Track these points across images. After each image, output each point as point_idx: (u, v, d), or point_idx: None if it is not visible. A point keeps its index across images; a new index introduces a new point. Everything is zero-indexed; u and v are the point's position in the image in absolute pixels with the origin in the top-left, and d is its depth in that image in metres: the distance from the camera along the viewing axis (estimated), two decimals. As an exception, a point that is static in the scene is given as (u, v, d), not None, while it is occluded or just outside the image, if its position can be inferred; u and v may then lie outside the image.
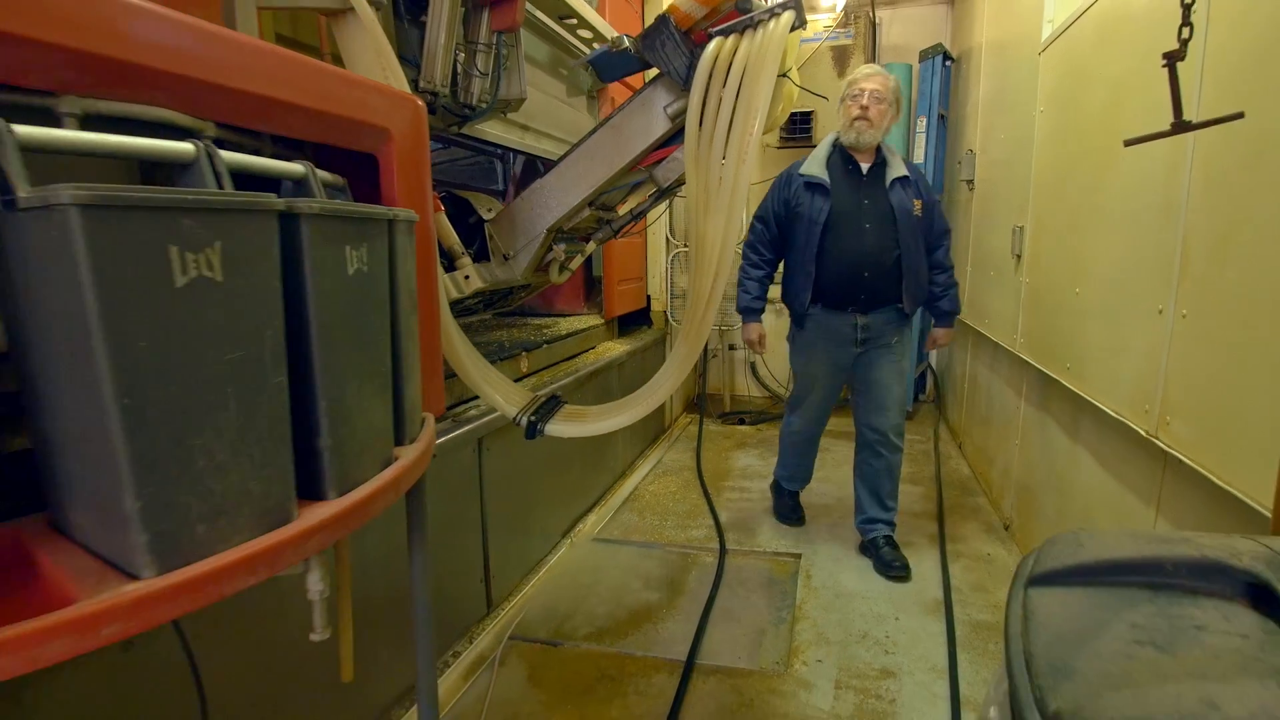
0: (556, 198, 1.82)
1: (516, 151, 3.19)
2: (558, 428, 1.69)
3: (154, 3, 0.79)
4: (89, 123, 0.81)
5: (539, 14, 2.61)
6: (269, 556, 0.74)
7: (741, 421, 5.04)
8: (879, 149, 2.69)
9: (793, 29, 1.41)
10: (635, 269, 4.50)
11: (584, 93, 3.61)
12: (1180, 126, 1.09)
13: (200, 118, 0.93)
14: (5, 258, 0.68)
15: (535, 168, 3.36)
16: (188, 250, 0.68)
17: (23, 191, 0.65)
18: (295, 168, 0.96)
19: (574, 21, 2.81)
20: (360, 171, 1.20)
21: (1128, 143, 1.20)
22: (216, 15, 1.18)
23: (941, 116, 4.76)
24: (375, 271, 0.94)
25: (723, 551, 2.90)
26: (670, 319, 4.77)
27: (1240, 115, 1.05)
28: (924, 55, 4.69)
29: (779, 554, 2.91)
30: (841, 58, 4.82)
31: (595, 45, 3.32)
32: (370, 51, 1.42)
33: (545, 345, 3.10)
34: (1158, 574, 0.69)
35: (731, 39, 1.38)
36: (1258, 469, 1.23)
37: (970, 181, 4.09)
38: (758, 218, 2.87)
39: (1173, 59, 1.08)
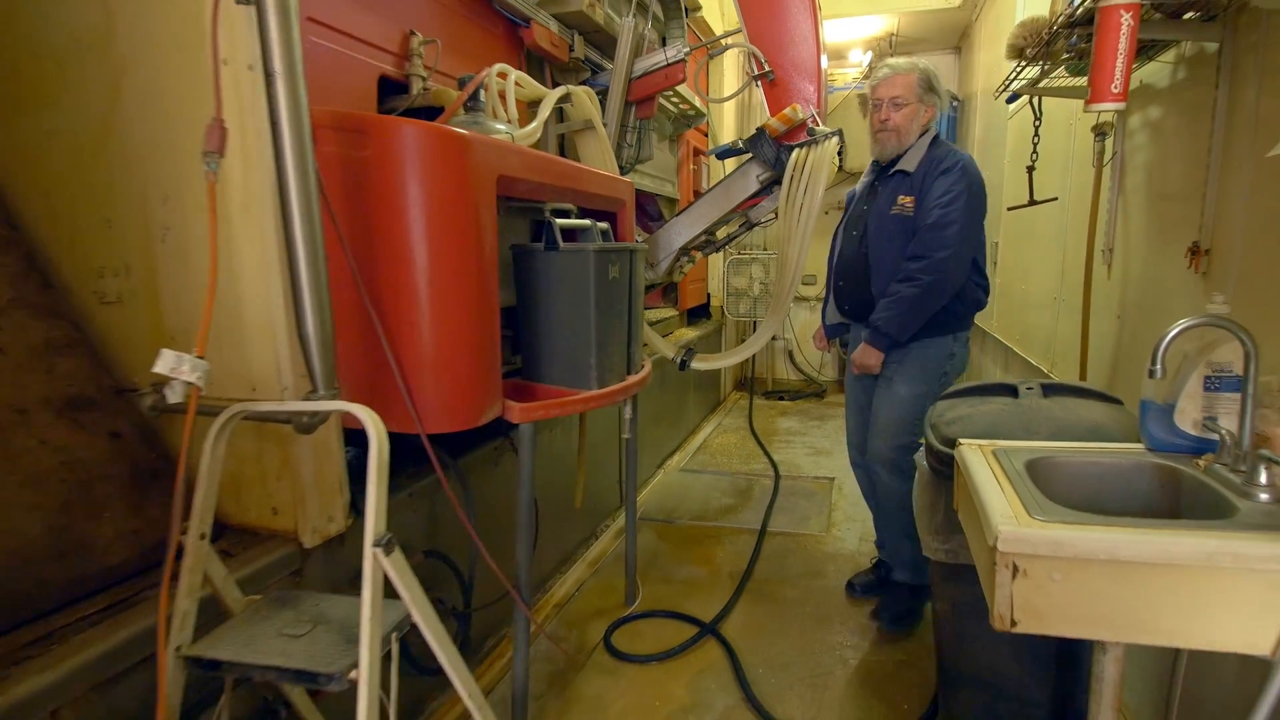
0: (688, 227, 2.97)
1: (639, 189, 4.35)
2: (697, 363, 2.86)
3: (569, 160, 1.95)
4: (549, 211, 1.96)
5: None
6: (614, 395, 1.89)
7: (781, 398, 6.15)
8: (912, 145, 2.37)
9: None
10: (700, 272, 5.62)
11: (667, 137, 4.75)
12: (1032, 202, 2.19)
13: (574, 203, 2.08)
14: (545, 270, 1.83)
15: (647, 197, 4.46)
16: (611, 264, 1.83)
17: (561, 246, 1.80)
18: (602, 225, 2.11)
19: (676, 99, 3.95)
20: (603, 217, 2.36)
21: (1009, 208, 2.30)
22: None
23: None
24: (620, 276, 2.07)
25: (777, 475, 4.02)
26: (725, 312, 5.88)
27: (1055, 199, 2.15)
28: (935, 98, 5.75)
29: (818, 477, 4.02)
30: (866, 104, 5.90)
31: (681, 106, 4.48)
32: (601, 153, 2.57)
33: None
34: (984, 390, 1.81)
35: (807, 149, 2.52)
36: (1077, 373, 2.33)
37: (969, 203, 5.15)
38: None
39: (1030, 169, 2.18)
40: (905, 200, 2.30)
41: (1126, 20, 1.31)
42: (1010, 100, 2.27)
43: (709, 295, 5.90)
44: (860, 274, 2.43)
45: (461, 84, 2.01)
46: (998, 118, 4.26)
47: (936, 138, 2.38)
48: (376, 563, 1.07)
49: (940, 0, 5.13)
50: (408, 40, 2.02)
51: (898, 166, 2.35)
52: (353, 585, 1.46)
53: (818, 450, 4.58)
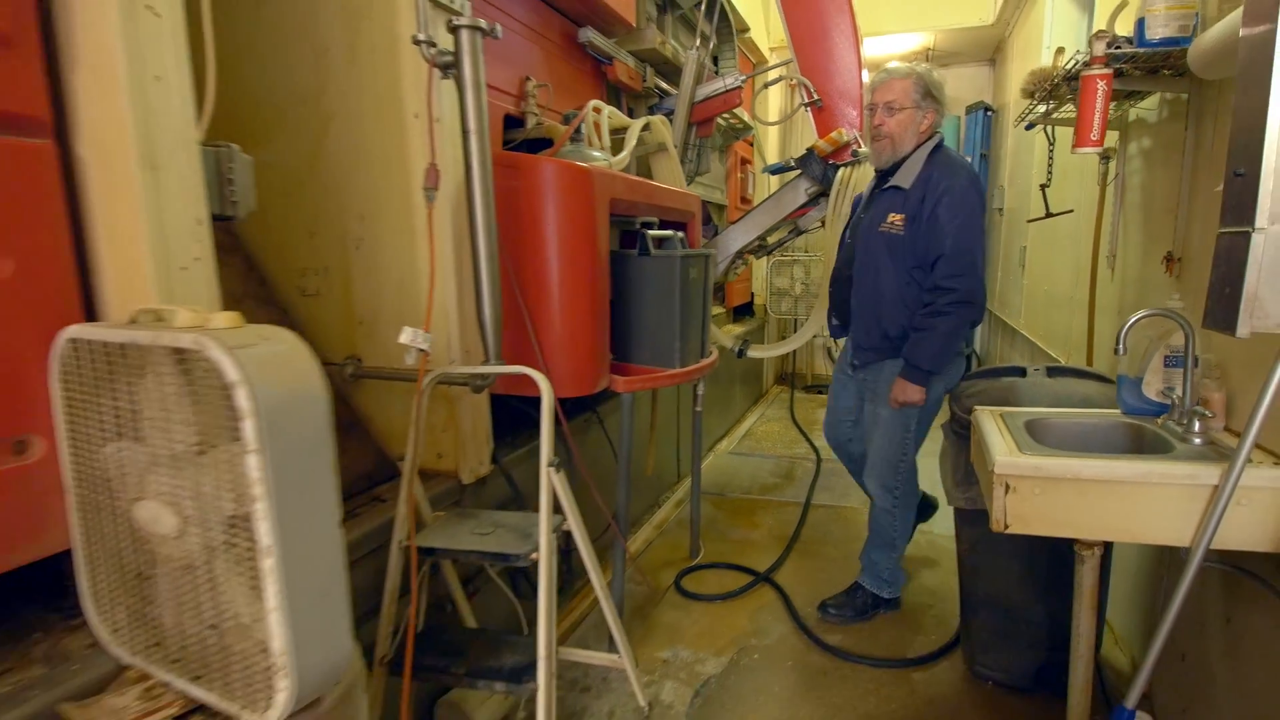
0: (743, 233, 3.39)
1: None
2: (753, 352, 3.29)
3: (652, 182, 2.39)
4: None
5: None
6: (692, 374, 2.32)
7: (820, 391, 6.52)
8: (909, 155, 2.28)
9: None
10: (746, 273, 6.03)
11: (717, 149, 5.17)
12: (1047, 215, 2.56)
13: (655, 216, 2.52)
14: (638, 272, 2.27)
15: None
16: (691, 267, 2.26)
17: (652, 253, 2.24)
18: (678, 234, 2.54)
19: (726, 115, 4.36)
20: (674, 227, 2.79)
21: (1028, 220, 2.67)
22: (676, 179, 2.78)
23: (984, 156, 6.13)
24: (699, 276, 2.50)
25: (818, 459, 4.41)
26: (768, 310, 6.27)
27: (1071, 210, 2.52)
28: (969, 109, 6.07)
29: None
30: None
31: (730, 121, 4.90)
32: (672, 171, 3.00)
33: (698, 323, 4.68)
34: (999, 372, 2.20)
35: (851, 168, 2.93)
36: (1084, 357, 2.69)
37: (1001, 209, 5.48)
38: None
39: (1044, 186, 2.56)
40: (895, 219, 2.24)
41: (1101, 86, 1.70)
42: (1028, 128, 2.63)
43: (752, 294, 6.30)
44: (845, 285, 2.46)
45: (566, 119, 2.47)
46: (1027, 134, 4.59)
47: (939, 147, 2.27)
48: (549, 478, 1.52)
49: (975, 18, 5.45)
50: (524, 84, 2.48)
51: (892, 181, 2.28)
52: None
53: (855, 437, 4.95)
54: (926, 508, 2.91)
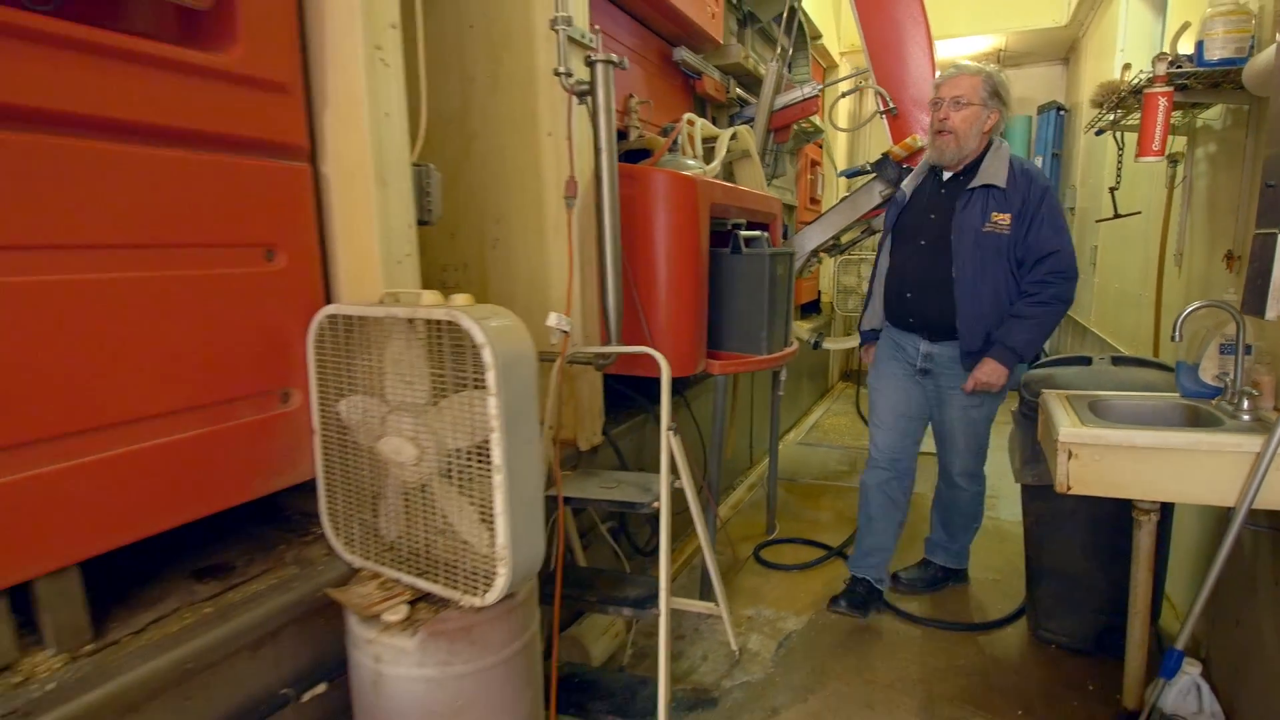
0: (819, 233, 3.62)
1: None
2: (827, 343, 3.51)
3: (740, 187, 2.65)
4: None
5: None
6: (777, 359, 2.58)
7: (885, 387, 6.65)
8: (984, 153, 2.30)
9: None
10: (815, 271, 6.21)
11: (788, 151, 5.38)
12: (1115, 216, 2.72)
13: (743, 218, 2.78)
14: (731, 268, 2.54)
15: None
16: (777, 264, 2.52)
17: (744, 250, 2.51)
18: (764, 233, 2.80)
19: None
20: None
21: (1096, 220, 2.82)
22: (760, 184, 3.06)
23: (1055, 155, 6.15)
24: (784, 273, 2.74)
25: (885, 449, 4.59)
26: (835, 307, 6.45)
27: (1138, 212, 2.67)
28: (1041, 109, 6.11)
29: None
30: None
31: (802, 124, 5.11)
32: (755, 176, 3.25)
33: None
34: (1067, 361, 2.39)
35: (921, 172, 3.14)
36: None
37: (1073, 209, 5.52)
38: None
39: (1112, 189, 2.71)
40: (1000, 218, 2.20)
41: (1163, 102, 1.88)
42: (1098, 134, 2.79)
43: (819, 292, 6.48)
44: (939, 289, 2.33)
45: (664, 131, 2.76)
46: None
47: (1005, 148, 2.30)
48: (668, 440, 1.81)
49: (1049, 19, 5.51)
50: (627, 101, 2.78)
51: (984, 180, 2.24)
52: (615, 475, 2.23)
53: (921, 431, 5.10)
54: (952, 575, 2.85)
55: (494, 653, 1.30)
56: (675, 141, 2.67)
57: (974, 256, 2.25)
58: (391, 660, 1.27)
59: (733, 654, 2.33)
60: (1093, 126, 2.66)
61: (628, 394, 2.74)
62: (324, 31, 1.44)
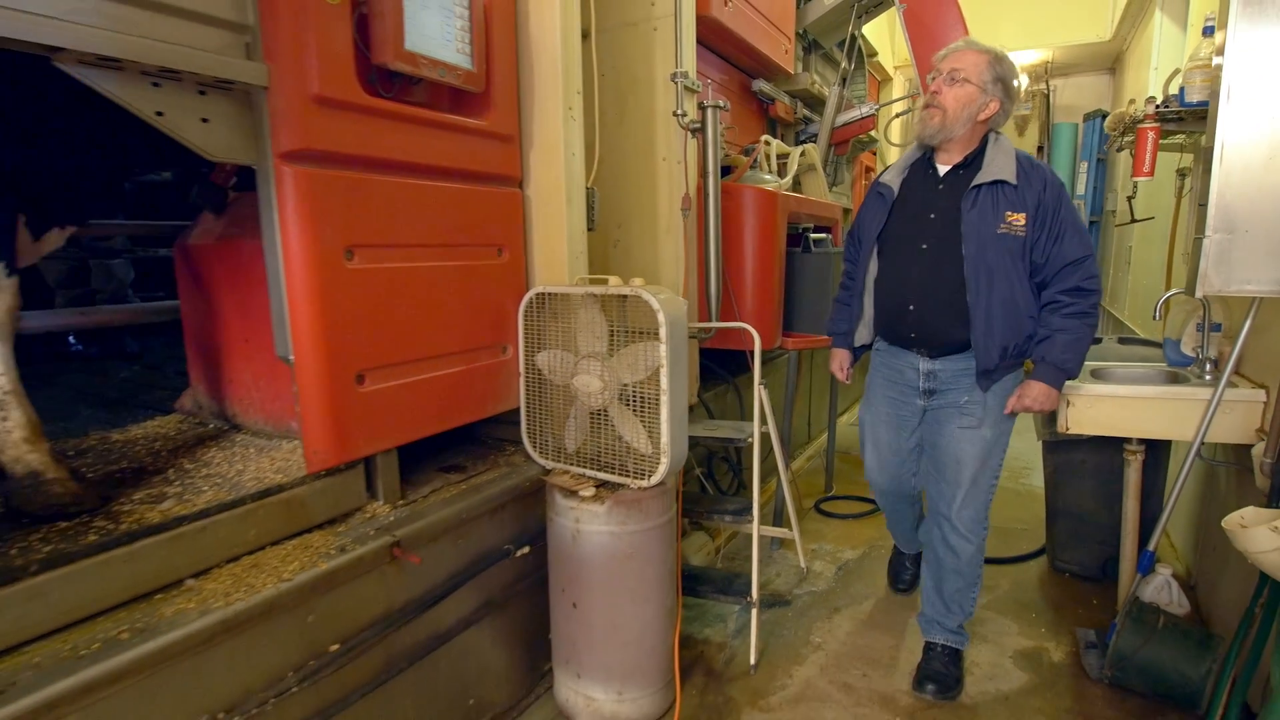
0: (873, 236, 4.16)
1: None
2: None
3: (808, 196, 3.23)
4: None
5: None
6: None
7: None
8: (982, 145, 2.05)
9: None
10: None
11: (846, 161, 5.89)
12: (1133, 220, 3.20)
13: (811, 222, 3.36)
14: (802, 264, 3.13)
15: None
16: (838, 263, 3.09)
17: (813, 249, 3.09)
18: (828, 235, 3.37)
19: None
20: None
21: (1116, 225, 3.30)
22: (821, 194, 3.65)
23: (1100, 160, 6.52)
24: (828, 269, 3.30)
25: (931, 429, 5.09)
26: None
27: (1152, 218, 3.15)
28: (1087, 116, 6.48)
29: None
30: (1021, 124, 6.72)
31: (859, 137, 5.62)
32: (819, 186, 3.82)
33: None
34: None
35: (964, 183, 3.64)
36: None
37: (1114, 211, 5.91)
38: (849, 231, 2.41)
39: (1130, 198, 3.20)
40: (1014, 217, 1.95)
41: (1151, 135, 2.38)
42: (1118, 150, 3.28)
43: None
44: (949, 303, 2.05)
45: (746, 151, 3.35)
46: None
47: (1006, 140, 2.07)
48: (759, 392, 2.40)
49: (1093, 34, 5.91)
50: (716, 126, 3.38)
51: (993, 175, 1.98)
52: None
53: (966, 416, 5.58)
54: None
55: (653, 519, 1.93)
56: (754, 160, 3.26)
57: (988, 262, 1.98)
58: (587, 520, 1.90)
59: (801, 571, 2.91)
60: (1114, 145, 3.16)
61: (713, 367, 3.35)
62: (533, 99, 2.08)
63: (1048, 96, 6.71)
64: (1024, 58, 6.41)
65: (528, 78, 2.08)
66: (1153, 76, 4.65)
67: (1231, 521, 1.55)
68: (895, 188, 2.18)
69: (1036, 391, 2.02)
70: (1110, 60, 6.55)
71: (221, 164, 1.92)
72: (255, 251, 1.79)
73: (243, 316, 1.87)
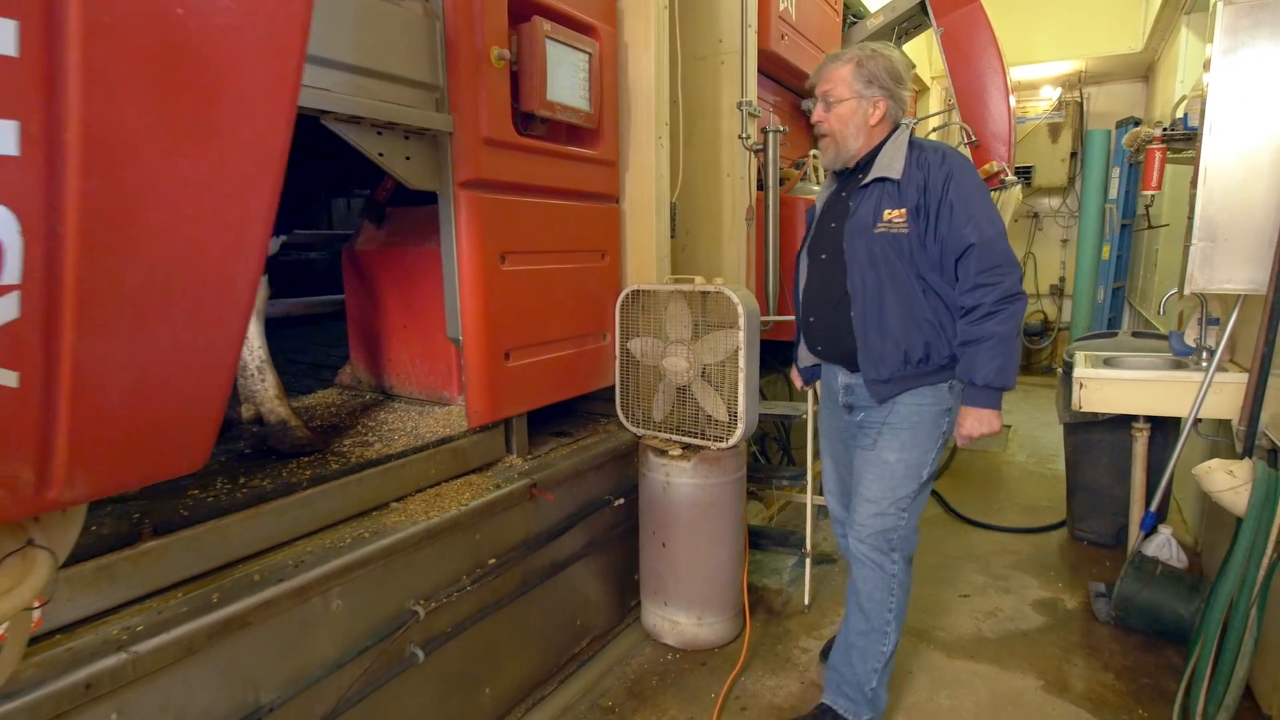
0: (911, 240, 4.54)
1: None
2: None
3: (864, 209, 3.64)
4: (846, 235, 3.66)
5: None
6: None
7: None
8: (881, 145, 1.93)
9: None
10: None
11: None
12: (1149, 226, 3.53)
13: (856, 230, 3.75)
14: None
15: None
16: (885, 264, 3.48)
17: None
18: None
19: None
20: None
21: (1135, 230, 3.63)
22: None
23: (1133, 165, 6.75)
24: None
25: (964, 420, 5.43)
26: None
27: (1167, 225, 3.48)
28: (1120, 123, 6.72)
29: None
30: (1055, 131, 6.99)
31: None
32: (862, 195, 4.20)
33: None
34: (1097, 335, 3.26)
35: (999, 191, 4.00)
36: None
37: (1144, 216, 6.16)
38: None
39: (1149, 206, 3.53)
40: (892, 214, 1.84)
41: (1158, 155, 2.74)
42: (1132, 166, 3.61)
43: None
44: (834, 306, 1.99)
45: (797, 165, 3.76)
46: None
47: (914, 137, 1.93)
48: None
49: (1124, 45, 6.16)
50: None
51: (878, 173, 1.87)
52: (767, 407, 3.26)
53: (998, 409, 5.91)
54: None
55: (729, 475, 2.36)
56: (805, 172, 3.67)
57: (866, 264, 1.90)
58: (676, 474, 2.34)
59: (846, 535, 3.31)
60: (1130, 160, 3.50)
61: (766, 358, 3.76)
62: (630, 130, 2.53)
63: (1081, 104, 6.97)
64: (1058, 69, 6.68)
65: (626, 113, 2.53)
66: (1178, 90, 4.93)
67: (1200, 469, 1.93)
68: (820, 202, 2.12)
69: (970, 420, 1.88)
70: (1143, 69, 6.78)
71: (383, 184, 2.41)
72: (415, 256, 2.27)
73: (404, 308, 2.35)
